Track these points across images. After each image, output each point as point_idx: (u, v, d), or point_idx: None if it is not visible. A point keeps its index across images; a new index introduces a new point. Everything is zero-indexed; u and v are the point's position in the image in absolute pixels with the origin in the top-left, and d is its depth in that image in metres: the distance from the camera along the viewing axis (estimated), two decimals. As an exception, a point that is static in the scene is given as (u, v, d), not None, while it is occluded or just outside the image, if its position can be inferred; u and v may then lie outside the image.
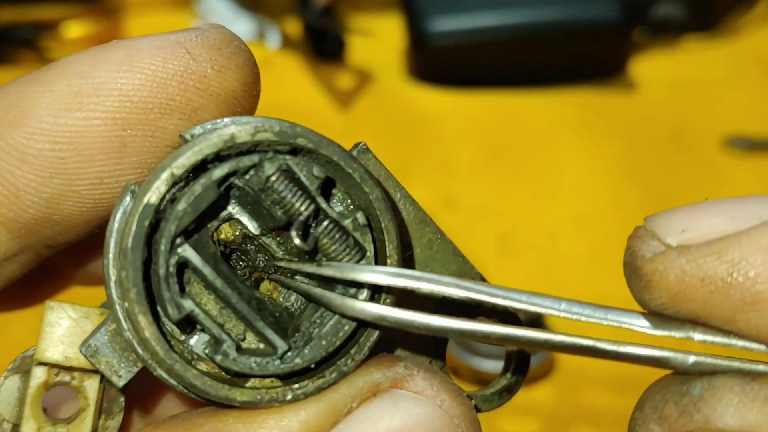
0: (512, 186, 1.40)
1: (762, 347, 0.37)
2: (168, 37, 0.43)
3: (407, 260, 0.46)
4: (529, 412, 1.10)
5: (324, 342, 0.41)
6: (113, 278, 0.40)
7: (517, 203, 1.37)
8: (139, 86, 0.42)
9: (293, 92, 1.45)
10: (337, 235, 0.42)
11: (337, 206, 0.43)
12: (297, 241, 0.41)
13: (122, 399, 0.45)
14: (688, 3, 1.55)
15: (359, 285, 0.41)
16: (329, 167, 0.42)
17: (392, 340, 0.46)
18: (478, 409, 0.47)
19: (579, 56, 1.53)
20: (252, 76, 0.45)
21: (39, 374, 0.44)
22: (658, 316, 0.39)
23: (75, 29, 1.48)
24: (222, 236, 0.43)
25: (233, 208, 0.43)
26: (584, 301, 0.40)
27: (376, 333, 0.42)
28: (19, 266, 0.47)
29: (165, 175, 0.39)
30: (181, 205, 0.39)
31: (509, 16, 1.48)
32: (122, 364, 0.42)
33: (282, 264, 0.44)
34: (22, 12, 1.46)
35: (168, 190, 0.39)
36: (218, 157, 0.40)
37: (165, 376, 0.41)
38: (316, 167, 0.41)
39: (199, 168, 0.40)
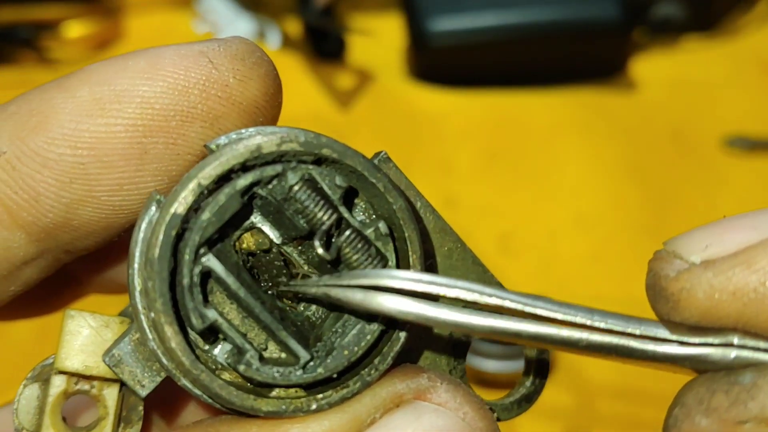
0: (512, 186, 1.40)
1: None
2: (191, 47, 0.44)
3: (429, 269, 0.46)
4: (529, 412, 1.10)
5: (346, 351, 0.41)
6: (138, 288, 0.41)
7: (517, 203, 1.37)
8: (161, 94, 0.43)
9: (293, 92, 1.45)
10: (359, 245, 0.42)
11: (359, 216, 0.43)
12: (320, 250, 0.41)
13: (141, 408, 0.45)
14: (688, 3, 1.55)
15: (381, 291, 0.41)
16: (352, 177, 0.42)
17: (414, 350, 0.46)
18: (498, 419, 0.48)
19: (579, 56, 1.53)
20: (274, 87, 0.45)
21: (58, 383, 0.44)
22: (691, 326, 0.37)
23: (75, 29, 1.48)
24: (244, 246, 0.44)
25: (255, 218, 0.43)
26: (615, 312, 0.38)
27: (400, 342, 0.42)
28: (38, 271, 0.47)
29: (192, 185, 0.40)
30: (205, 215, 0.40)
31: (509, 16, 1.48)
32: (146, 374, 0.43)
33: (304, 272, 0.44)
34: (22, 12, 1.46)
35: (195, 200, 0.40)
36: (243, 167, 0.40)
37: (189, 386, 0.41)
38: (338, 177, 0.41)
39: (224, 178, 0.40)
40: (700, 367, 0.37)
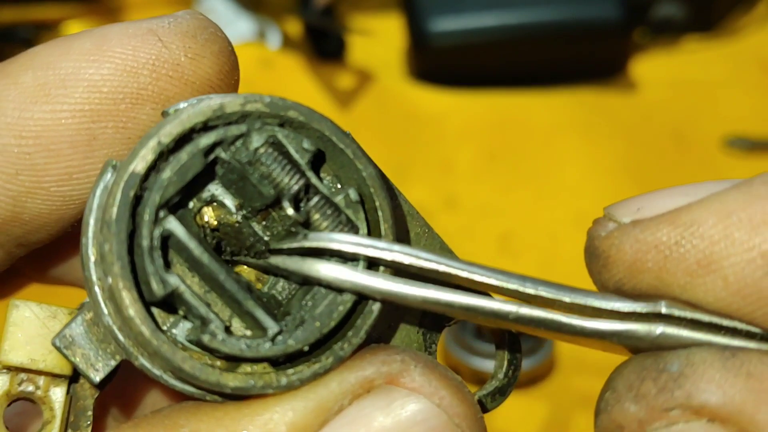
0: (512, 186, 1.40)
1: (736, 323, 0.36)
2: (139, 25, 0.42)
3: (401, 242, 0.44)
4: (529, 413, 1.10)
5: (318, 323, 0.38)
6: (92, 258, 0.38)
7: (517, 203, 1.37)
8: (109, 76, 0.41)
9: (293, 92, 1.45)
10: (329, 211, 0.40)
11: (327, 184, 0.41)
12: (290, 211, 0.39)
13: (90, 412, 0.41)
14: (688, 3, 1.55)
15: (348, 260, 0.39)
16: (320, 143, 0.40)
17: (394, 327, 0.44)
18: (484, 408, 0.45)
19: (579, 56, 1.53)
20: (229, 64, 0.44)
21: (1, 383, 0.40)
22: (621, 295, 0.38)
23: (75, 29, 1.48)
24: (206, 221, 0.41)
25: (216, 190, 0.41)
26: (549, 281, 0.39)
27: (374, 315, 0.39)
28: None
29: (152, 143, 0.37)
30: (166, 174, 0.38)
31: (509, 16, 1.48)
32: (100, 357, 0.39)
33: (271, 244, 0.41)
34: (22, 12, 1.46)
35: (155, 159, 0.37)
36: (205, 128, 0.39)
37: (148, 365, 0.38)
38: (306, 141, 0.39)
39: (186, 139, 0.38)
40: (626, 343, 0.37)
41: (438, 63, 1.51)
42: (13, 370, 0.40)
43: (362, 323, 0.39)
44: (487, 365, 1.08)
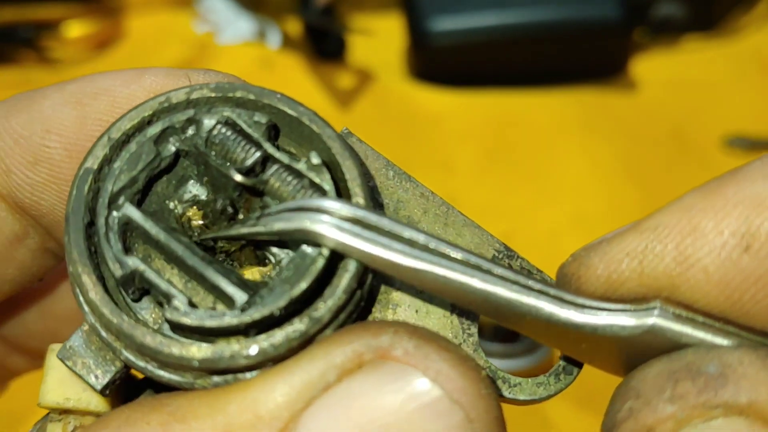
0: (512, 186, 1.40)
1: (729, 327, 0.36)
2: (178, 69, 0.46)
3: (377, 206, 0.42)
4: (527, 411, 1.10)
5: (287, 286, 0.36)
6: (66, 256, 0.38)
7: (518, 203, 1.37)
8: (132, 95, 0.44)
9: (293, 92, 1.44)
10: (289, 177, 0.39)
11: (287, 155, 0.40)
12: (238, 177, 0.38)
13: None
14: (688, 3, 1.55)
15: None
16: (276, 119, 0.40)
17: (417, 312, 0.41)
18: (498, 392, 0.41)
19: (579, 56, 1.53)
20: None
21: (52, 430, 0.42)
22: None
23: (75, 29, 1.48)
24: (194, 223, 0.41)
25: (194, 188, 0.41)
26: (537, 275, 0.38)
27: (349, 274, 0.36)
28: (30, 254, 0.49)
29: (102, 140, 0.39)
30: (116, 164, 0.39)
31: (509, 15, 1.48)
32: (99, 364, 0.40)
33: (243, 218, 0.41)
34: (22, 12, 1.46)
35: (106, 154, 0.39)
36: (153, 119, 0.40)
37: (132, 357, 0.37)
38: (257, 114, 0.40)
39: (137, 132, 0.40)
40: (615, 334, 0.36)
41: (438, 63, 1.51)
42: (59, 413, 0.42)
43: (337, 282, 0.36)
44: (498, 364, 1.08)
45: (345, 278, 0.36)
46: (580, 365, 0.43)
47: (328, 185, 0.38)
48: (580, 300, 0.37)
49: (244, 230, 0.39)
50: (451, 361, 0.34)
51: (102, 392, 0.40)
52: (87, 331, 0.40)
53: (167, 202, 0.41)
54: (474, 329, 0.42)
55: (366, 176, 0.40)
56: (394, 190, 0.43)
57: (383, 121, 1.47)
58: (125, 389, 0.43)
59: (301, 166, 0.39)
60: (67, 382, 0.42)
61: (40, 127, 0.45)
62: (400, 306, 0.41)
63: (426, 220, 0.43)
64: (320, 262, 0.36)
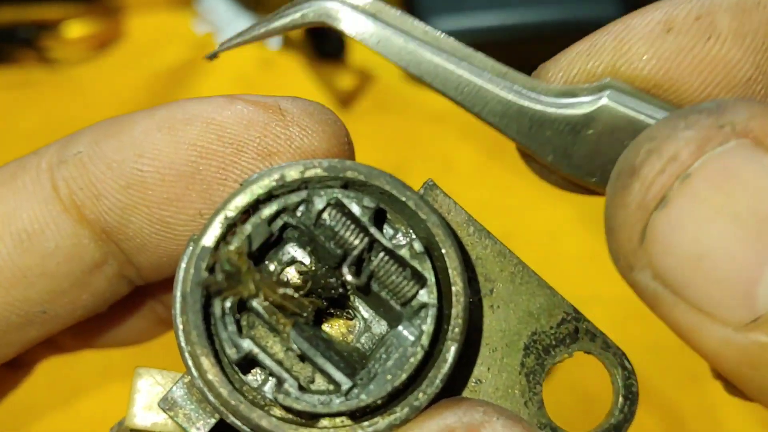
0: (512, 186, 1.40)
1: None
2: (270, 97, 0.47)
3: (471, 286, 0.44)
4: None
5: (389, 376, 0.39)
6: (181, 327, 0.40)
7: (517, 203, 1.37)
8: (224, 123, 0.46)
9: (294, 92, 1.44)
10: (393, 267, 0.41)
11: (391, 238, 0.42)
12: (349, 277, 0.40)
13: None
14: (688, 3, 1.55)
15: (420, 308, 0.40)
16: (381, 198, 0.41)
17: (488, 369, 0.44)
18: None
19: (579, 56, 1.53)
20: (338, 147, 0.47)
21: None
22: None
23: (75, 29, 1.48)
24: (288, 280, 0.43)
25: (294, 251, 0.43)
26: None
27: (448, 364, 0.39)
28: (106, 281, 0.50)
29: (219, 218, 0.40)
30: (233, 246, 0.40)
31: (510, 16, 1.48)
32: (200, 416, 0.43)
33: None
34: (22, 12, 1.46)
35: (223, 233, 0.40)
36: (269, 197, 0.41)
37: (238, 423, 0.40)
38: (366, 198, 0.41)
39: (252, 209, 0.41)
40: (568, 114, 0.43)
41: (438, 63, 1.51)
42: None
43: (436, 373, 0.39)
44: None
45: (443, 370, 0.39)
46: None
47: (429, 273, 0.40)
48: (550, 99, 0.44)
49: (276, 23, 0.42)
50: None
51: None
52: (188, 384, 0.43)
53: (267, 263, 0.42)
54: (539, 388, 0.45)
55: (463, 260, 0.42)
56: (474, 246, 0.45)
57: (383, 121, 1.47)
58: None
59: (404, 252, 0.41)
60: (153, 408, 0.44)
61: (132, 152, 0.46)
62: (481, 381, 0.44)
63: (502, 278, 0.45)
64: (420, 356, 0.39)
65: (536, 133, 0.44)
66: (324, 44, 1.52)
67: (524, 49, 1.51)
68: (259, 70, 1.47)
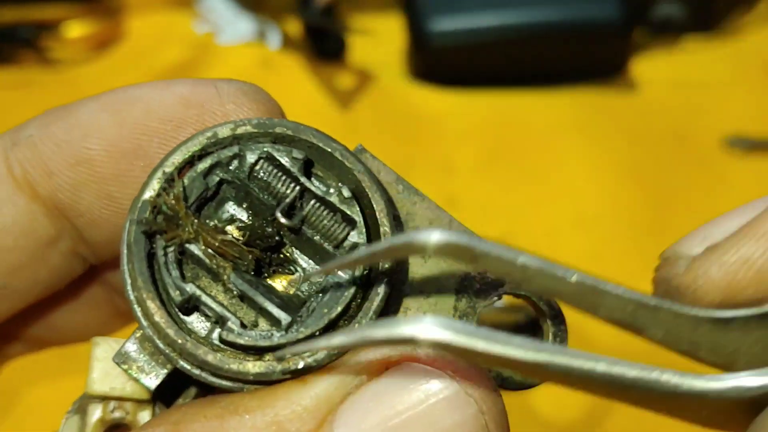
0: (512, 186, 1.40)
1: None
2: (207, 80, 0.50)
3: (398, 228, 0.47)
4: (527, 413, 1.10)
5: (325, 309, 0.42)
6: (128, 275, 0.43)
7: (518, 203, 1.37)
8: (164, 102, 0.49)
9: (294, 92, 1.45)
10: (324, 212, 0.44)
11: (321, 187, 0.45)
12: (283, 219, 0.44)
13: None
14: (688, 3, 1.55)
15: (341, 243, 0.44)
16: (310, 153, 0.45)
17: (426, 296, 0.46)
18: (513, 383, 0.46)
19: (579, 56, 1.53)
20: (271, 115, 0.50)
21: (94, 411, 0.46)
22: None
23: (75, 29, 1.48)
24: (232, 238, 0.45)
25: (232, 209, 0.46)
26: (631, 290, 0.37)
27: (380, 296, 0.42)
28: (61, 258, 0.53)
29: (157, 174, 0.44)
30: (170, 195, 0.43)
31: (509, 16, 1.48)
32: (152, 367, 0.45)
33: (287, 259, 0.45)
34: (22, 12, 1.46)
35: (162, 186, 0.43)
36: (204, 154, 0.44)
37: (187, 366, 0.42)
38: (295, 150, 0.44)
39: (190, 166, 0.44)
40: (733, 396, 0.34)
41: (438, 63, 1.51)
42: (101, 398, 0.46)
43: (369, 305, 0.42)
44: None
45: (376, 301, 0.42)
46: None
47: (357, 217, 0.44)
48: (702, 312, 0.36)
49: (349, 339, 0.40)
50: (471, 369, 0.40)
51: (156, 393, 0.46)
52: (140, 338, 0.45)
53: (208, 221, 0.45)
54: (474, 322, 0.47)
55: (390, 204, 0.45)
56: (404, 203, 0.48)
57: (383, 122, 1.47)
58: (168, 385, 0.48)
59: (333, 198, 0.44)
60: (112, 374, 0.46)
61: (79, 132, 0.49)
62: (410, 309, 0.47)
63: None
64: (352, 290, 0.42)
65: (685, 409, 0.36)
66: (324, 44, 1.52)
67: (524, 50, 1.51)
68: (259, 69, 1.47)
